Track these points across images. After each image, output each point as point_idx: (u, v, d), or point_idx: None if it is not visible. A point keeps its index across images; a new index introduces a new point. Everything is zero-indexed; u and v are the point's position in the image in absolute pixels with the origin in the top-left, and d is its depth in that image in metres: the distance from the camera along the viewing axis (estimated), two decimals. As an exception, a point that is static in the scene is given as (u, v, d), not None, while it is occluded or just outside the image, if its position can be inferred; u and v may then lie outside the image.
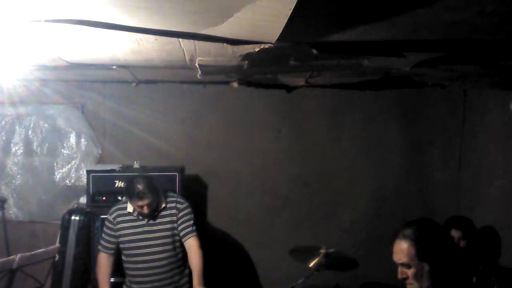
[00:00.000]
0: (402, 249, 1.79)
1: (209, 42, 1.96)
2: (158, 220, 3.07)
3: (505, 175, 3.63)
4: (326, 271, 3.30)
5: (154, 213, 3.05)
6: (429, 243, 1.77)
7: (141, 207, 2.95)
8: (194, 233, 3.09)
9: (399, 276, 1.81)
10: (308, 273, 3.30)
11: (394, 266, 1.90)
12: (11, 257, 2.76)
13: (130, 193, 2.94)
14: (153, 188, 2.96)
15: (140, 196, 2.91)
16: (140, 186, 2.90)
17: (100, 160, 4.16)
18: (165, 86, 4.15)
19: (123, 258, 3.13)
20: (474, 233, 3.31)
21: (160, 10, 1.47)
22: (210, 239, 3.84)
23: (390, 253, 1.89)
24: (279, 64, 2.67)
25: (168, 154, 4.15)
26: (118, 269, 3.22)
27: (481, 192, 3.97)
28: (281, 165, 4.36)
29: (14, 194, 4.10)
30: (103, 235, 3.16)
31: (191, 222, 3.11)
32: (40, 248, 2.97)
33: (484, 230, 3.68)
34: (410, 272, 1.77)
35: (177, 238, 3.10)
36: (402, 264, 1.80)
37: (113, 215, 3.11)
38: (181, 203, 3.14)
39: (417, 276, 1.77)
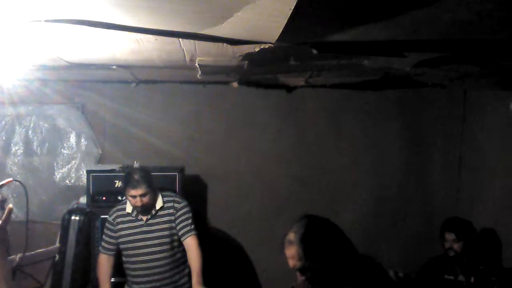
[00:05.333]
0: (291, 255, 1.82)
1: (209, 42, 1.96)
2: (156, 220, 3.07)
3: (505, 175, 3.63)
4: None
5: (148, 211, 3.04)
6: (313, 241, 1.80)
7: (134, 197, 2.94)
8: (193, 232, 3.09)
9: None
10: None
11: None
12: (11, 257, 2.75)
13: (126, 182, 2.96)
14: (149, 181, 2.97)
15: (134, 184, 2.92)
16: (136, 176, 2.93)
17: (100, 160, 4.16)
18: (165, 86, 4.15)
19: (123, 258, 3.14)
20: (471, 234, 3.31)
21: (160, 10, 1.47)
22: (210, 239, 3.84)
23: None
24: (279, 64, 2.66)
25: (168, 154, 4.15)
26: (119, 269, 3.23)
27: (481, 192, 3.97)
28: (281, 165, 4.36)
29: (14, 194, 4.10)
30: (103, 236, 3.17)
31: (189, 221, 3.11)
32: (40, 248, 2.97)
33: (484, 230, 3.68)
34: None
35: (175, 237, 3.10)
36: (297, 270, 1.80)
37: (113, 216, 3.12)
38: (178, 203, 3.14)
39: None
